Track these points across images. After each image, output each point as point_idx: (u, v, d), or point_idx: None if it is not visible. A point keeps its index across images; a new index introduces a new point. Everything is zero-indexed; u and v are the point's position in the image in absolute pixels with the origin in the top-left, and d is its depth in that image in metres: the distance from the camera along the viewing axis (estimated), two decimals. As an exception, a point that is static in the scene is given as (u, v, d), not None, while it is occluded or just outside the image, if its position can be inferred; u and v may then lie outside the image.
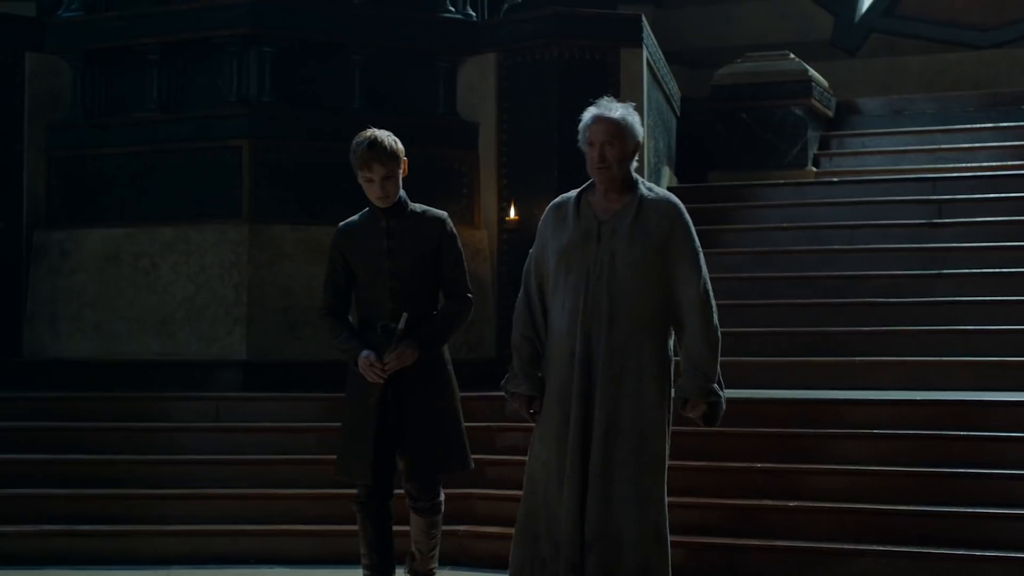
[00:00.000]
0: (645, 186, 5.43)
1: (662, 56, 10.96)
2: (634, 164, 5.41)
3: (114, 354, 9.61)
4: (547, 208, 5.57)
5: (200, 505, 8.02)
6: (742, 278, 10.13)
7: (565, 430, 5.34)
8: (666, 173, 11.39)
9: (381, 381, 5.73)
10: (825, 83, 12.92)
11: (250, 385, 9.23)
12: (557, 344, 5.40)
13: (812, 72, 12.53)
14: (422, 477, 5.96)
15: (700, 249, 5.37)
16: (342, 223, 6.04)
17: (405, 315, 5.75)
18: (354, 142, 5.82)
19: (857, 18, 15.96)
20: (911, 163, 12.20)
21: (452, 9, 10.20)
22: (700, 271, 5.32)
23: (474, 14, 10.43)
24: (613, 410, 5.26)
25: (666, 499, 5.38)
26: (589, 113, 5.40)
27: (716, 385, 5.36)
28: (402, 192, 5.91)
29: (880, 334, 9.13)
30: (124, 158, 9.92)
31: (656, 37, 10.55)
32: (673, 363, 5.37)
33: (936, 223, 10.38)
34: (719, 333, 5.36)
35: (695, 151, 12.39)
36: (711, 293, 5.36)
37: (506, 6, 11.40)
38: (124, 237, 9.75)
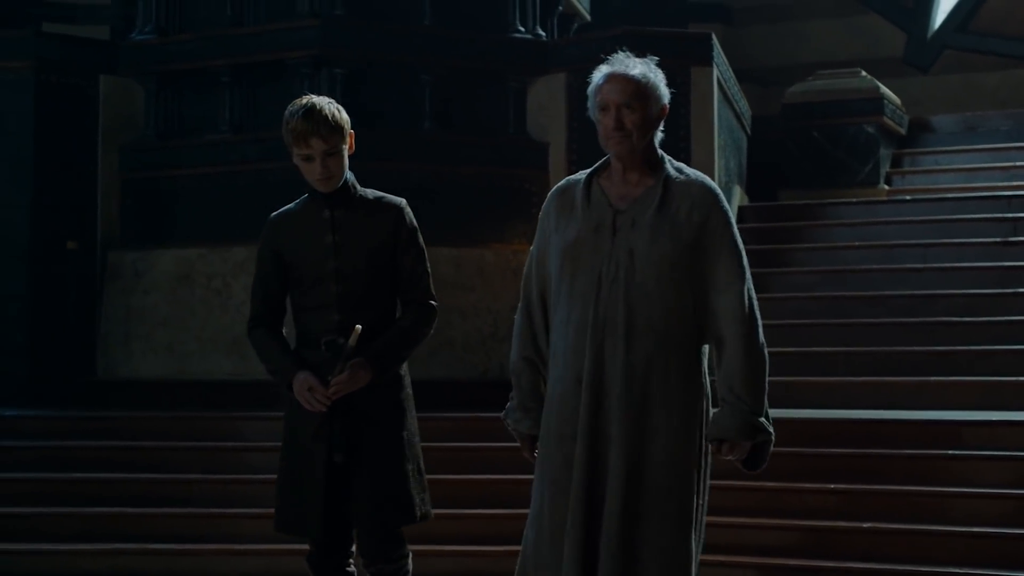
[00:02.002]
0: (673, 165, 4.40)
1: (732, 74, 10.92)
2: (659, 136, 4.40)
3: (186, 374, 9.67)
4: (549, 194, 4.56)
5: (271, 524, 8.02)
6: (814, 297, 10.08)
7: (566, 475, 4.30)
8: (737, 192, 11.34)
9: (323, 409, 4.72)
10: (897, 100, 12.83)
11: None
12: (560, 367, 4.36)
13: (884, 89, 12.45)
14: (377, 531, 4.91)
15: (742, 247, 4.36)
16: (275, 213, 5.01)
17: (358, 328, 4.72)
18: (287, 111, 4.81)
19: (929, 35, 15.85)
20: (985, 181, 12.09)
21: (522, 29, 10.21)
22: (742, 274, 4.30)
23: (544, 34, 10.45)
24: (633, 451, 4.21)
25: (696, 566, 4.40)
26: (600, 71, 4.37)
27: (764, 419, 4.31)
28: (349, 174, 4.88)
29: (954, 354, 9.03)
30: (196, 179, 10.00)
31: (726, 55, 10.51)
32: (709, 389, 4.37)
33: (1011, 241, 10.29)
34: (766, 352, 4.35)
35: (766, 170, 12.34)
36: (755, 302, 4.33)
37: (575, 26, 11.43)
38: (196, 257, 9.82)
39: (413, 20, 9.91)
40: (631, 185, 4.36)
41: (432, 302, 4.99)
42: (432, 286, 5.00)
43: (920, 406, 8.44)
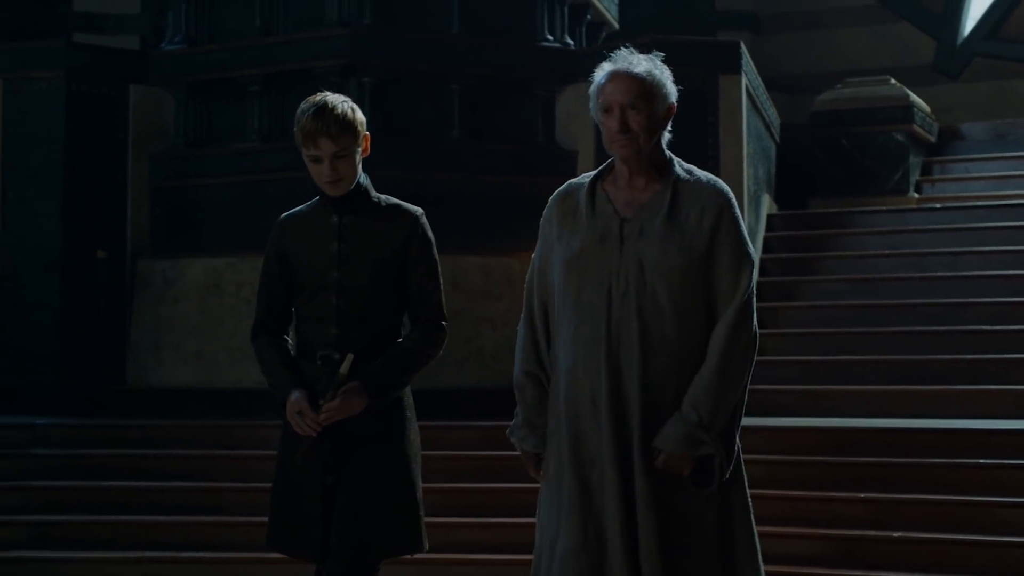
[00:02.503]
0: (683, 167, 4.15)
1: (761, 83, 10.91)
2: (666, 136, 4.14)
3: (215, 382, 9.70)
4: (551, 199, 4.28)
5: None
6: (843, 306, 10.08)
7: (584, 500, 4.03)
8: (766, 200, 11.32)
9: (312, 435, 4.38)
10: (927, 108, 12.79)
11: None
12: (569, 386, 4.08)
13: (913, 97, 12.42)
14: (347, 557, 4.48)
15: (752, 254, 4.12)
16: (285, 214, 4.70)
17: (350, 356, 4.40)
18: (299, 108, 4.54)
19: (959, 42, 15.79)
20: (1015, 188, 12.05)
21: (550, 38, 10.22)
22: (745, 284, 4.03)
23: (572, 42, 10.47)
24: (659, 478, 3.96)
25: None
26: (603, 70, 4.14)
27: (712, 434, 3.95)
28: (363, 178, 4.58)
29: (983, 362, 9.00)
30: (225, 188, 10.04)
31: (754, 63, 10.50)
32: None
33: (1042, 249, 10.26)
34: (745, 364, 4.03)
35: (794, 178, 12.31)
36: (750, 314, 4.04)
37: (604, 34, 11.42)
38: (225, 266, 9.85)
39: (442, 29, 9.93)
40: (638, 190, 4.10)
41: (442, 322, 4.60)
42: (444, 305, 4.62)
43: (949, 415, 8.41)
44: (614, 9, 11.53)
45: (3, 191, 9.99)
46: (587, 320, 4.04)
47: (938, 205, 11.79)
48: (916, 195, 12.23)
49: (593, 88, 4.12)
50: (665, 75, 4.11)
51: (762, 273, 10.61)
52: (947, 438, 7.77)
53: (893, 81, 12.63)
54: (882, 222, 11.38)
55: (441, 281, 4.62)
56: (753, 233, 10.29)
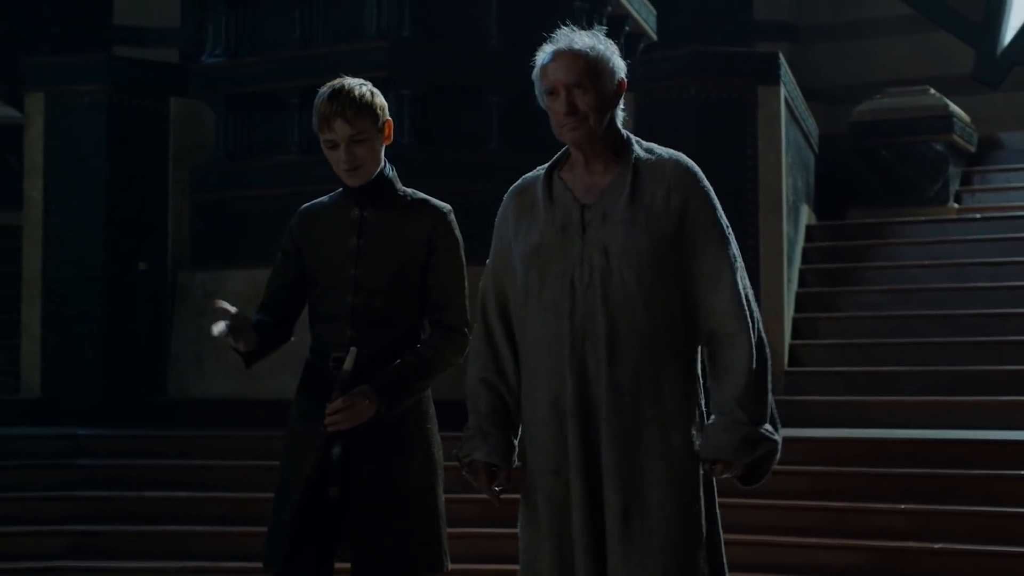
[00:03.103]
0: (642, 146, 3.82)
1: (799, 93, 10.90)
2: (621, 115, 3.83)
3: (256, 393, 9.73)
4: (505, 196, 3.97)
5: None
6: (883, 316, 10.07)
7: (550, 515, 3.73)
8: (805, 211, 11.31)
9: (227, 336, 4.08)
10: (967, 118, 12.75)
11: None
12: (534, 389, 3.77)
13: (953, 107, 12.38)
14: None
15: (730, 231, 3.78)
16: (305, 205, 4.41)
17: (354, 351, 4.06)
18: (316, 98, 4.21)
19: (999, 51, 15.72)
20: (1057, 198, 12.02)
21: (588, 49, 10.23)
22: (733, 262, 3.73)
23: (611, 54, 10.46)
24: (630, 481, 3.65)
25: None
26: (543, 51, 3.79)
27: (766, 428, 3.69)
28: (388, 168, 4.28)
29: (1025, 373, 8.98)
30: (265, 200, 10.08)
31: (793, 74, 10.49)
32: (702, 397, 3.81)
33: (1083, 259, 10.22)
34: (767, 350, 3.75)
35: (834, 188, 12.29)
36: (750, 293, 3.77)
37: (642, 45, 11.44)
38: (265, 278, 9.80)
39: (480, 41, 9.97)
40: (597, 175, 3.79)
41: (465, 328, 4.24)
42: (467, 310, 4.27)
43: (990, 426, 8.39)
44: (652, 20, 11.55)
45: (46, 204, 10.08)
46: (549, 318, 3.73)
47: (978, 215, 11.75)
48: (956, 205, 12.19)
49: (535, 72, 3.80)
50: (611, 49, 3.79)
51: (801, 284, 10.60)
52: (988, 449, 7.75)
53: (932, 91, 12.59)
54: (922, 232, 11.36)
55: (466, 285, 4.29)
56: (792, 244, 10.28)
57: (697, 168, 3.78)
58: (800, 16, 16.34)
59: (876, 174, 12.25)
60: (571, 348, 3.69)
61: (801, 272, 10.73)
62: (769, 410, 3.70)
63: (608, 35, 11.28)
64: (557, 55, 3.74)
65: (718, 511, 3.78)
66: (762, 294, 9.35)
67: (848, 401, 9.12)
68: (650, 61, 10.23)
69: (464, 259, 4.29)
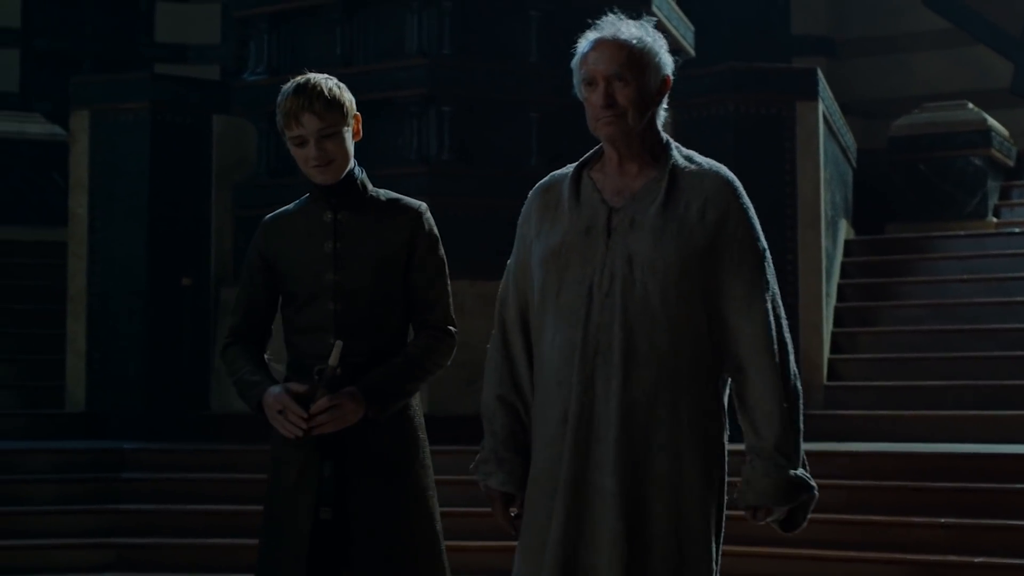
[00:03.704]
0: (682, 152, 3.56)
1: (837, 108, 10.93)
2: (662, 115, 3.56)
3: (297, 408, 9.82)
4: (530, 193, 3.71)
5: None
6: (921, 331, 10.07)
7: (546, 538, 3.44)
8: (843, 226, 11.33)
9: (298, 433, 3.81)
10: (1005, 132, 12.75)
11: (431, 438, 9.32)
12: (543, 403, 3.51)
13: (991, 121, 12.38)
14: None
15: (767, 253, 3.53)
16: (269, 215, 4.19)
17: (339, 343, 3.83)
18: (279, 97, 3.99)
19: (1038, 65, 15.71)
20: (1096, 212, 12.01)
21: (627, 66, 10.29)
22: (767, 286, 3.48)
23: (649, 70, 10.52)
24: (633, 510, 3.37)
25: None
26: (586, 39, 3.53)
27: (803, 471, 3.46)
28: (357, 169, 4.06)
29: (1065, 387, 8.99)
30: (307, 216, 10.16)
31: (830, 88, 10.52)
32: (727, 429, 3.52)
33: (1123, 273, 10.21)
34: (799, 384, 3.50)
35: (871, 203, 12.31)
36: (784, 322, 3.50)
37: (680, 61, 11.44)
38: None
39: (519, 58, 10.04)
40: (629, 177, 3.53)
41: (451, 327, 4.07)
42: (452, 309, 4.11)
43: (1031, 440, 8.40)
44: (690, 36, 11.59)
45: (91, 220, 10.21)
46: (563, 326, 3.46)
47: (1017, 229, 11.74)
48: (995, 219, 12.18)
49: (575, 59, 3.54)
50: (659, 43, 3.53)
51: (840, 299, 10.62)
52: (1028, 463, 7.77)
53: (971, 105, 12.59)
54: (960, 247, 11.36)
55: (449, 283, 4.12)
56: (831, 259, 10.31)
57: (738, 183, 3.54)
58: (837, 30, 16.34)
59: (914, 189, 12.26)
60: (581, 359, 3.41)
61: (840, 287, 10.75)
62: (802, 453, 3.49)
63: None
64: (599, 43, 3.49)
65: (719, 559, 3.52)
66: (801, 308, 9.40)
67: (887, 415, 9.14)
68: (689, 78, 10.27)
69: (445, 257, 4.09)
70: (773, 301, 3.49)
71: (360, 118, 4.03)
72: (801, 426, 3.48)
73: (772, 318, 3.46)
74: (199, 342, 10.22)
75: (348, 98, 3.98)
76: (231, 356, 4.10)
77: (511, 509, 3.63)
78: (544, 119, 9.98)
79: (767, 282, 3.48)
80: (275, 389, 3.88)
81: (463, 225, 9.69)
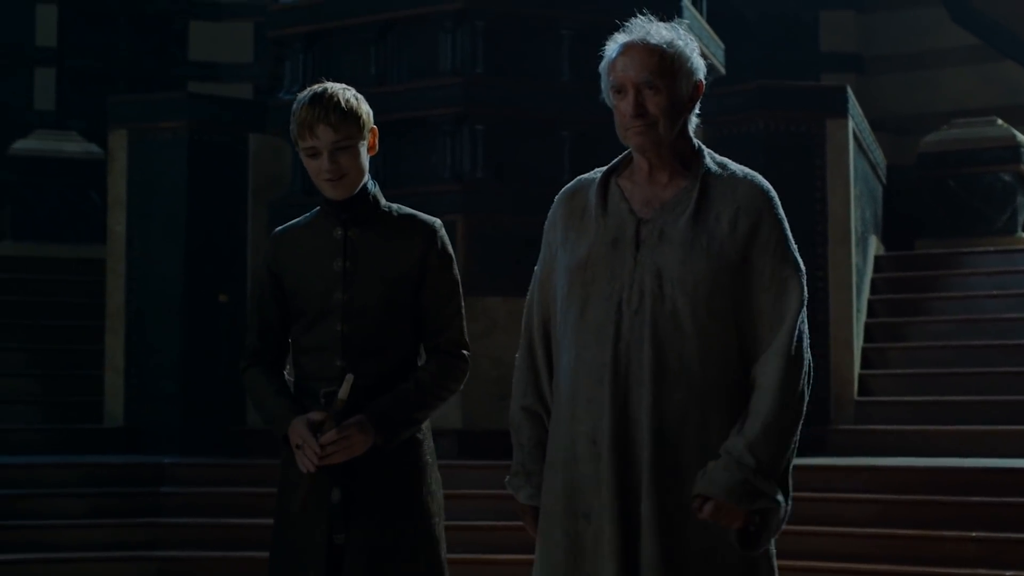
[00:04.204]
0: (715, 160, 3.42)
1: (867, 125, 10.99)
2: (694, 120, 3.42)
3: (333, 423, 9.91)
4: (556, 198, 3.58)
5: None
6: (951, 346, 10.11)
7: (571, 561, 3.34)
8: (873, 242, 11.39)
9: (311, 468, 3.65)
10: (1034, 148, 12.77)
11: (465, 452, 9.45)
12: (567, 421, 3.37)
13: (1020, 137, 12.40)
14: None
15: (802, 266, 3.38)
16: (279, 228, 4.04)
17: (350, 377, 3.68)
18: (294, 105, 3.90)
19: (1067, 81, 15.72)
20: None
21: (658, 84, 10.38)
22: (798, 304, 3.32)
23: (680, 88, 10.60)
24: (669, 536, 3.24)
25: None
26: (615, 42, 3.38)
27: (772, 483, 3.26)
28: (371, 183, 3.90)
29: (1095, 402, 9.01)
30: (343, 234, 10.26)
31: (859, 104, 10.58)
32: None
33: None
34: (804, 399, 3.32)
35: (901, 219, 12.37)
36: (804, 337, 3.33)
37: (711, 79, 11.56)
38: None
39: (552, 77, 10.12)
40: (659, 187, 3.38)
41: (464, 351, 3.89)
42: (465, 331, 3.92)
43: (1061, 455, 8.44)
44: (720, 54, 11.67)
45: (128, 237, 10.35)
46: (591, 343, 3.32)
47: (1046, 245, 11.79)
48: (1024, 235, 12.23)
49: (603, 64, 3.40)
50: (691, 47, 3.37)
51: (870, 314, 10.67)
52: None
53: (1000, 121, 12.62)
54: (990, 263, 11.39)
55: (463, 304, 3.95)
56: (861, 275, 10.36)
57: (774, 192, 3.38)
58: (866, 47, 16.39)
59: (944, 205, 12.30)
60: (613, 379, 3.29)
61: (870, 302, 10.80)
62: (783, 468, 3.29)
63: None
64: (628, 48, 3.33)
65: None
66: (832, 325, 9.46)
67: (917, 430, 9.18)
68: (719, 95, 10.36)
69: (459, 277, 3.92)
70: (801, 316, 3.32)
71: (377, 132, 3.86)
72: (792, 443, 3.29)
73: (795, 335, 3.29)
74: (235, 357, 10.20)
75: (365, 110, 3.83)
76: (251, 380, 3.94)
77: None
78: (576, 136, 10.07)
79: (801, 297, 3.32)
80: (297, 422, 3.70)
81: (496, 242, 9.80)
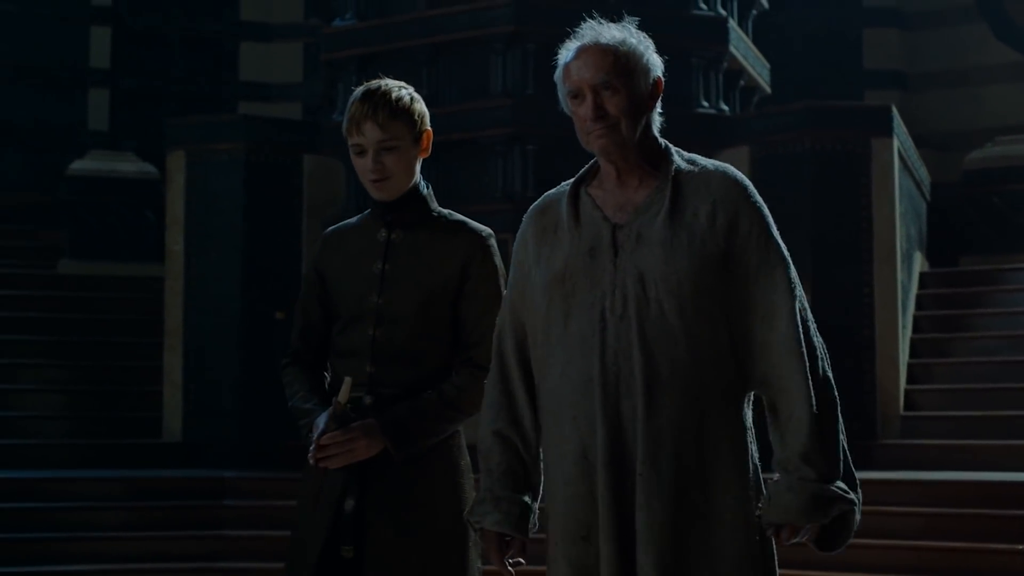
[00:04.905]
0: (682, 156, 3.29)
1: (911, 143, 11.09)
2: (658, 120, 3.30)
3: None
4: (525, 216, 3.42)
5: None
6: (995, 362, 10.21)
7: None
8: (918, 258, 11.50)
9: (311, 462, 3.53)
10: (1078, 165, 12.82)
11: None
12: (558, 441, 3.22)
13: (1065, 154, 12.48)
14: None
15: (786, 252, 3.24)
16: (331, 227, 3.92)
17: (348, 380, 3.51)
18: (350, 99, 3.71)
19: (1110, 98, 15.75)
20: None
21: (706, 104, 10.54)
22: (791, 289, 3.18)
23: (727, 108, 10.77)
24: (668, 552, 3.09)
25: None
26: (567, 49, 3.30)
27: (837, 486, 3.13)
28: (422, 184, 3.75)
29: None
30: (394, 251, 10.43)
31: (903, 121, 10.67)
32: (755, 451, 3.24)
33: None
34: (833, 389, 3.19)
35: (946, 235, 12.46)
36: (813, 326, 3.21)
37: (756, 98, 11.72)
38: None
39: (600, 98, 10.28)
40: (630, 190, 3.25)
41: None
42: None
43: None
44: (766, 74, 11.82)
45: (186, 256, 10.57)
46: (575, 356, 3.18)
47: (1090, 261, 11.83)
48: (1068, 251, 12.28)
49: (557, 73, 3.32)
50: (644, 43, 3.27)
51: (915, 330, 10.76)
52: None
53: (1044, 138, 12.70)
54: (1035, 279, 11.48)
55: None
56: (906, 291, 10.46)
57: (747, 181, 3.26)
58: (909, 64, 16.47)
59: (988, 221, 12.37)
60: (603, 391, 3.14)
61: (915, 318, 10.89)
62: (841, 464, 3.17)
63: (724, 89, 11.58)
64: (581, 51, 3.24)
65: None
66: (877, 340, 9.57)
67: (962, 444, 9.27)
68: (767, 115, 10.52)
69: (503, 290, 3.60)
70: (798, 303, 3.18)
71: (431, 135, 3.72)
72: (839, 435, 3.17)
73: (798, 321, 3.16)
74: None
75: (419, 111, 3.67)
76: (288, 378, 3.81)
77: (509, 554, 3.34)
78: (625, 156, 10.22)
79: (791, 282, 3.18)
80: (319, 419, 3.55)
81: (547, 260, 9.97)
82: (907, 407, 9.90)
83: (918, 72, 16.54)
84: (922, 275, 11.58)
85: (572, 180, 3.35)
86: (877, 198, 9.83)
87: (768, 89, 11.89)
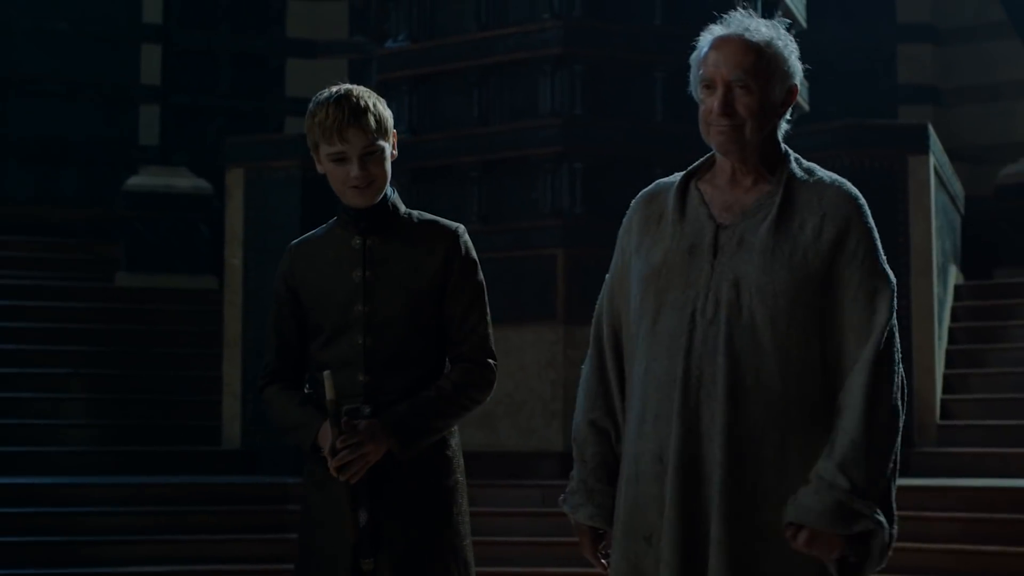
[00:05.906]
0: (800, 164, 3.22)
1: (946, 159, 11.30)
2: (784, 126, 3.24)
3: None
4: (633, 202, 3.42)
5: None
6: (1031, 372, 10.37)
7: None
8: (953, 271, 11.71)
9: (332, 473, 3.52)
10: (1113, 176, 13.03)
11: (566, 474, 9.84)
12: (636, 438, 3.17)
13: (1097, 168, 12.70)
14: None
15: (891, 276, 3.14)
16: (295, 240, 3.92)
17: (327, 373, 3.49)
18: (311, 103, 3.70)
19: None
20: None
21: (747, 122, 10.81)
22: (884, 314, 3.06)
23: (767, 126, 11.03)
24: (740, 564, 3.02)
25: None
26: (710, 34, 3.19)
27: (870, 504, 3.02)
28: (390, 188, 3.76)
29: None
30: (447, 267, 10.72)
31: (937, 136, 10.88)
32: None
33: None
34: (898, 420, 3.05)
35: (980, 248, 12.67)
36: (895, 351, 3.08)
37: (795, 115, 11.98)
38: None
39: (646, 117, 10.56)
40: (741, 191, 3.19)
41: (489, 360, 3.70)
42: (492, 340, 3.73)
43: None
44: (805, 92, 12.08)
45: (245, 270, 10.91)
46: (661, 354, 3.12)
47: (1123, 273, 12.03)
48: (1100, 264, 12.48)
49: (694, 55, 3.20)
50: (790, 48, 3.17)
51: (951, 341, 10.96)
52: None
53: (1077, 152, 12.90)
54: (1070, 291, 11.58)
55: (488, 311, 3.75)
56: (942, 304, 10.68)
57: (862, 199, 3.18)
58: (943, 80, 16.66)
59: (1022, 234, 12.59)
60: (683, 393, 3.08)
61: (951, 330, 11.07)
62: (882, 490, 3.05)
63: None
64: (724, 42, 3.15)
65: None
66: (915, 351, 9.80)
67: (997, 452, 9.50)
68: (803, 134, 10.76)
69: (484, 282, 3.73)
70: (891, 330, 3.07)
71: (397, 135, 3.75)
72: (887, 465, 3.04)
73: (883, 346, 3.05)
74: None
75: (389, 114, 3.69)
76: (271, 397, 3.76)
77: (601, 545, 3.33)
78: (668, 173, 10.46)
79: (890, 309, 3.08)
80: (327, 427, 3.54)
81: (595, 275, 10.17)
82: (943, 416, 10.09)
83: (951, 87, 16.72)
84: (957, 287, 11.77)
85: (685, 171, 3.29)
86: (914, 214, 10.07)
87: (806, 107, 12.14)
